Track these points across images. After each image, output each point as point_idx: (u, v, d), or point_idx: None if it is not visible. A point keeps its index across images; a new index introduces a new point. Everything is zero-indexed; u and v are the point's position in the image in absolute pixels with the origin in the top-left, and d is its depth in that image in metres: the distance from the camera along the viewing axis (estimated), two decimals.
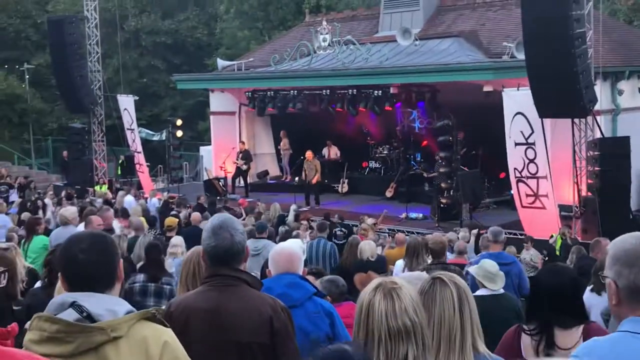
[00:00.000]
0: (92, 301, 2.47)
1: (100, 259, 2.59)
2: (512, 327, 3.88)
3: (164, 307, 3.55)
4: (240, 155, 23.56)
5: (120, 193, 20.29)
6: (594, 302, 6.62)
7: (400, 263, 8.50)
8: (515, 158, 16.20)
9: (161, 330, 2.54)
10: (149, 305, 6.85)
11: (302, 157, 22.79)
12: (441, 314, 2.98)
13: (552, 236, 14.58)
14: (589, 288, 6.91)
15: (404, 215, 19.17)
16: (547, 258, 13.25)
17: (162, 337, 2.50)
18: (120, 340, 2.41)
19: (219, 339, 3.36)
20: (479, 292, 5.72)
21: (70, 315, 2.41)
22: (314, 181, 21.40)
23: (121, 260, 2.71)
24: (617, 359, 2.21)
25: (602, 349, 2.28)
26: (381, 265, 9.23)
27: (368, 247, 9.34)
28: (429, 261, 7.70)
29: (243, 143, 24.23)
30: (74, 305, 2.43)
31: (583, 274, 7.34)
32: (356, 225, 16.23)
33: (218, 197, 21.23)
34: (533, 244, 13.95)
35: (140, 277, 7.24)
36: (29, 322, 2.51)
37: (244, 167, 23.43)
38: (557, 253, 13.76)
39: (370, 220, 15.91)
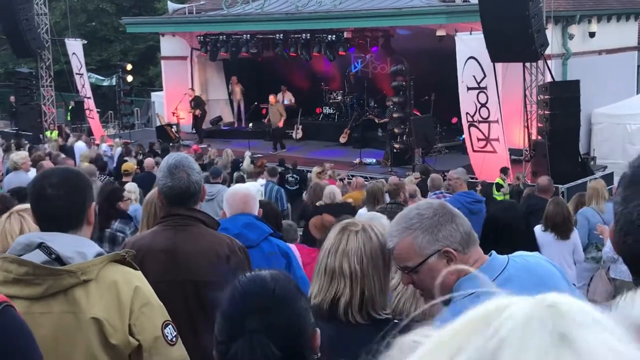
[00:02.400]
0: (61, 242, 2.38)
1: (69, 197, 2.46)
2: None
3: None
4: (192, 103, 23.32)
5: (71, 139, 19.97)
6: (545, 240, 6.93)
7: (363, 211, 8.58)
8: (467, 102, 16.34)
9: (131, 273, 2.48)
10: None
11: (255, 103, 22.74)
12: None
13: (500, 184, 14.50)
14: (539, 226, 7.15)
15: (357, 160, 19.26)
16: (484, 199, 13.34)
17: (133, 282, 2.45)
18: (90, 284, 2.36)
19: (175, 278, 3.34)
20: None
21: (37, 256, 2.33)
22: (280, 125, 21.33)
23: (94, 203, 2.58)
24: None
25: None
26: (348, 209, 9.27)
27: (334, 191, 9.39)
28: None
29: (193, 90, 23.93)
30: (41, 246, 2.35)
31: (531, 212, 7.57)
32: (310, 171, 16.30)
33: (171, 144, 21.03)
34: (482, 187, 14.12)
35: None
36: None
37: (198, 113, 23.23)
38: (507, 197, 13.91)
39: (317, 169, 15.82)
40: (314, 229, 6.83)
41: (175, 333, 2.52)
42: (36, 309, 2.33)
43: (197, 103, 23.32)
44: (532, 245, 3.99)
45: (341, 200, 9.84)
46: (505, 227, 3.92)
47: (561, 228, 7.01)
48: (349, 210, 9.07)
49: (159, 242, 3.41)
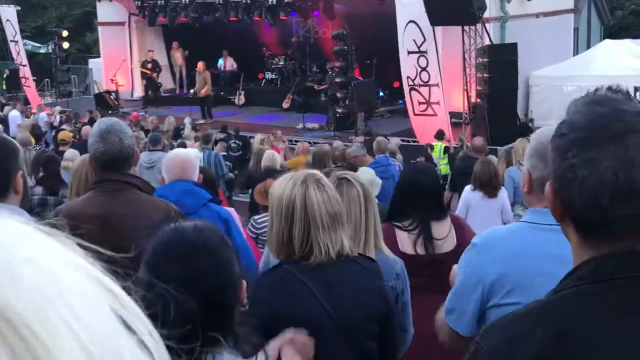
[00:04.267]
0: None
1: None
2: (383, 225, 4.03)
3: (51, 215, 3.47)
4: (150, 64, 22.92)
5: (6, 108, 19.47)
6: (474, 199, 7.14)
7: None
8: (408, 66, 16.43)
9: None
10: (49, 217, 6.68)
11: (195, 69, 22.47)
12: (348, 212, 3.03)
13: (432, 146, 14.63)
14: (469, 186, 7.34)
15: (300, 125, 19.25)
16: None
17: None
18: None
19: (110, 245, 3.25)
20: None
21: None
22: (202, 92, 21.00)
23: (20, 172, 2.52)
24: (513, 246, 2.37)
25: (500, 238, 2.45)
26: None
27: (273, 157, 9.35)
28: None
29: (152, 52, 23.51)
30: None
31: (466, 173, 7.75)
32: (252, 137, 16.23)
33: (110, 111, 20.68)
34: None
35: (38, 189, 7.03)
36: None
37: (154, 75, 22.87)
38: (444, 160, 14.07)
39: (260, 136, 15.75)
40: (257, 196, 6.81)
41: None
42: None
43: (155, 65, 22.99)
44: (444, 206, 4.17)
45: (284, 165, 9.87)
46: (422, 189, 4.02)
47: (488, 186, 7.18)
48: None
49: (93, 208, 3.34)
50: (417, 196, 4.00)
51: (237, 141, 15.23)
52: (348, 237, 2.67)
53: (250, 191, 10.44)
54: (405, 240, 3.93)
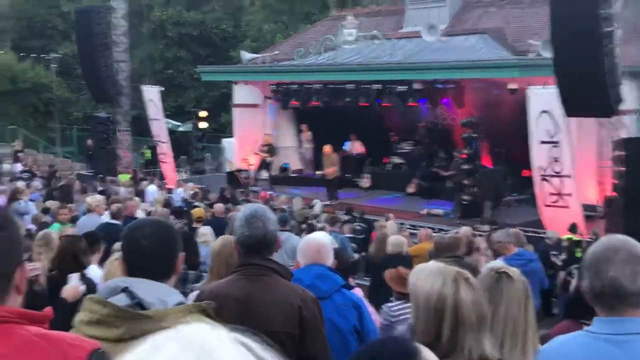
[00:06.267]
0: (145, 288, 2.47)
1: (162, 249, 2.59)
2: (564, 323, 3.96)
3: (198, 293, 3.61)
4: (266, 148, 23.62)
5: (144, 183, 20.45)
6: None
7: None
8: (540, 156, 16.12)
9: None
10: (189, 292, 6.94)
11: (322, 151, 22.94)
12: (507, 309, 2.93)
13: (574, 240, 14.20)
14: None
15: (425, 211, 19.13)
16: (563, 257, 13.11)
17: None
18: None
19: (249, 328, 3.37)
20: None
21: (121, 300, 2.42)
22: (330, 174, 21.30)
23: (182, 254, 2.69)
24: (566, 355, 2.42)
25: (557, 346, 2.50)
26: (408, 261, 9.21)
27: (400, 242, 9.33)
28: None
29: (268, 136, 24.26)
30: (126, 290, 2.44)
31: None
32: (377, 220, 16.26)
33: (240, 190, 21.32)
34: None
35: None
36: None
37: (269, 159, 23.50)
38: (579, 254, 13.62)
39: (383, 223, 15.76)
40: (391, 282, 6.77)
41: None
42: (114, 352, 2.37)
43: (270, 149, 23.64)
44: None
45: (404, 251, 9.78)
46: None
47: None
48: (409, 262, 9.02)
49: (235, 290, 3.46)
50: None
51: (361, 224, 15.31)
52: (490, 341, 2.59)
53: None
54: None
